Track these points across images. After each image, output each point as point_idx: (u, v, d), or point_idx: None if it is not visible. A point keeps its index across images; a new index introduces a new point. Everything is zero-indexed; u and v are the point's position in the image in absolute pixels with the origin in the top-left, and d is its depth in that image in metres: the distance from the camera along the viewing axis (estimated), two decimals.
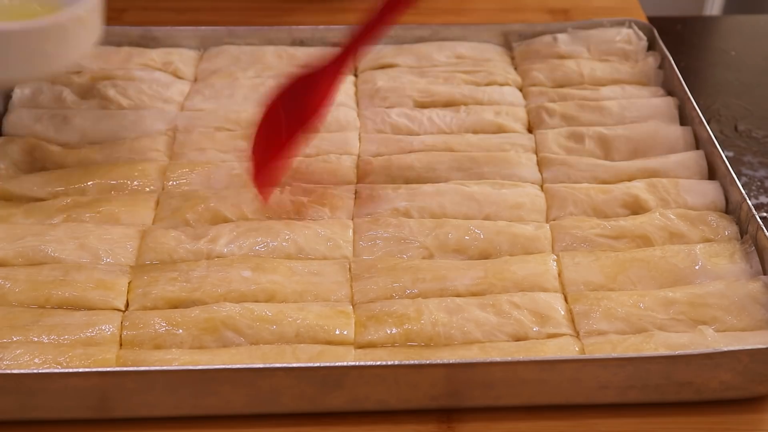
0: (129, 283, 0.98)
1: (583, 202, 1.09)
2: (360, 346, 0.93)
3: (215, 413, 0.88)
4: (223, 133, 1.21)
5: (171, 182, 1.12)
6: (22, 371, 0.86)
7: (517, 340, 0.93)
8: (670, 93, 1.27)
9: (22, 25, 1.03)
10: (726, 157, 1.10)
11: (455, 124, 1.22)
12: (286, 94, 1.07)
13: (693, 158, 1.14)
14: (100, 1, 1.09)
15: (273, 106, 1.07)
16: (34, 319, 0.93)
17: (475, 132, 1.22)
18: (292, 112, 1.07)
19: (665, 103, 1.24)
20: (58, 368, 0.88)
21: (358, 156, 1.17)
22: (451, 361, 0.88)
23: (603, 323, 0.94)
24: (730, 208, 1.08)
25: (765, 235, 0.99)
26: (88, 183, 1.11)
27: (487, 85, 1.31)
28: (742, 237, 1.03)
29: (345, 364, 0.87)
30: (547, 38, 1.38)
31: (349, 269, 1.00)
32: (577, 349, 0.92)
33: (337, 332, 0.93)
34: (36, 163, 1.15)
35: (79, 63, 1.11)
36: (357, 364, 0.87)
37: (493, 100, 1.27)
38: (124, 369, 0.87)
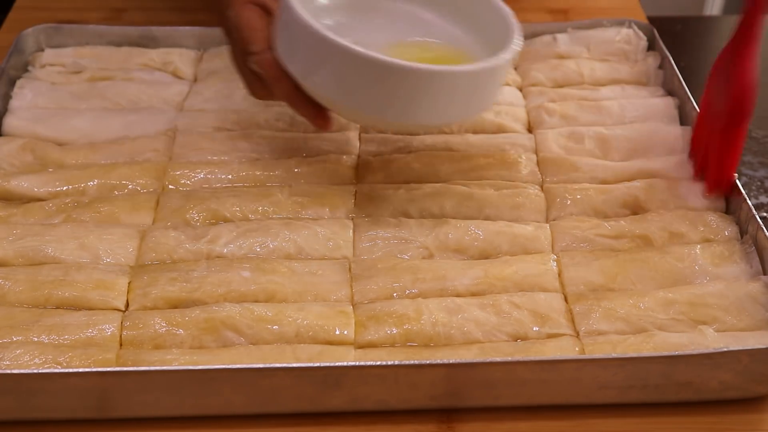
0: (129, 283, 0.98)
1: (583, 202, 1.09)
2: (360, 346, 0.93)
3: (215, 413, 0.88)
4: (222, 133, 1.21)
5: (171, 182, 1.12)
6: (22, 371, 0.86)
7: (517, 340, 0.93)
8: (670, 93, 1.27)
9: (479, 66, 0.99)
10: None
11: (455, 124, 1.22)
12: (711, 88, 1.05)
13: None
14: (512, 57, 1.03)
15: (703, 106, 1.06)
16: (34, 319, 0.93)
17: (475, 132, 1.22)
18: (720, 101, 1.03)
19: (665, 103, 1.24)
20: (58, 368, 0.88)
21: (358, 156, 1.17)
22: (451, 361, 0.88)
23: (603, 323, 0.94)
24: (730, 208, 1.08)
25: (765, 235, 0.99)
26: (88, 183, 1.11)
27: None
28: (742, 237, 1.03)
29: (345, 364, 0.87)
30: (547, 38, 1.38)
31: (349, 269, 1.00)
32: (577, 349, 0.92)
33: (337, 332, 0.93)
34: (36, 163, 1.15)
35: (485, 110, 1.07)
36: (357, 364, 0.87)
37: None
38: (124, 369, 0.87)
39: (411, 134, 1.18)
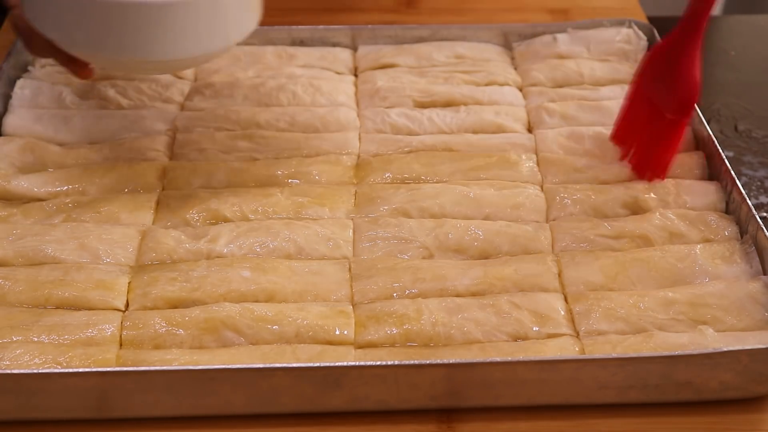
0: (129, 283, 0.98)
1: (583, 202, 1.09)
2: (360, 346, 0.93)
3: (215, 413, 0.88)
4: (223, 133, 1.21)
5: (171, 182, 1.12)
6: (22, 371, 0.86)
7: (517, 340, 0.93)
8: None
9: None
10: (726, 157, 1.10)
11: (455, 124, 1.22)
12: (647, 77, 1.07)
13: (693, 158, 1.14)
14: None
15: (639, 90, 1.08)
16: (34, 319, 0.93)
17: (475, 132, 1.22)
18: (665, 94, 1.04)
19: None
20: (58, 368, 0.88)
21: (358, 156, 1.17)
22: (451, 361, 0.88)
23: (603, 323, 0.94)
24: (730, 208, 1.08)
25: (765, 235, 0.99)
26: (88, 183, 1.11)
27: (487, 85, 1.31)
28: (742, 237, 1.03)
29: (345, 364, 0.87)
30: (547, 38, 1.38)
31: (349, 269, 1.00)
32: (577, 349, 0.92)
33: (337, 332, 0.93)
34: (36, 163, 1.15)
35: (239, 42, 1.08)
36: (357, 364, 0.87)
37: (493, 100, 1.27)
38: (124, 369, 0.87)
39: (157, 73, 1.20)
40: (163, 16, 0.99)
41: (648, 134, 1.10)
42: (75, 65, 1.07)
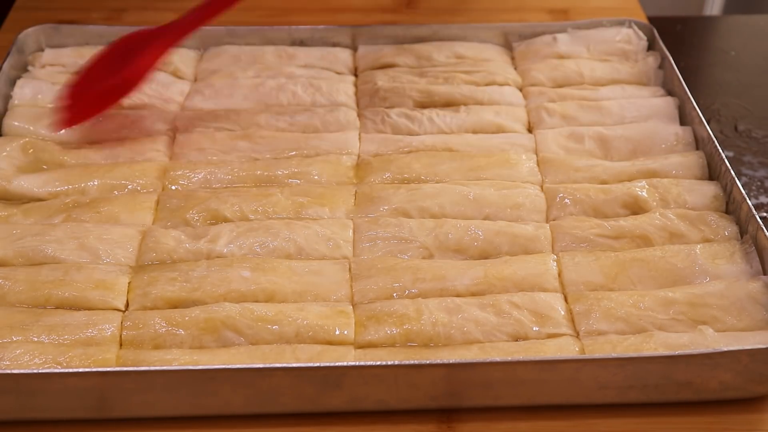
0: (129, 283, 0.98)
1: (583, 202, 1.09)
2: (360, 346, 0.93)
3: (215, 413, 0.88)
4: (223, 133, 1.21)
5: (171, 182, 1.12)
6: (22, 371, 0.86)
7: (517, 340, 0.93)
8: (670, 93, 1.27)
9: None
10: (726, 157, 1.10)
11: (455, 124, 1.22)
12: (117, 49, 1.18)
13: (693, 158, 1.14)
14: None
15: (103, 57, 1.18)
16: (34, 319, 0.93)
17: (475, 132, 1.22)
18: (117, 67, 1.16)
19: (665, 103, 1.24)
20: (58, 368, 0.88)
21: (358, 156, 1.17)
22: (451, 361, 0.88)
23: (603, 323, 0.94)
24: (730, 208, 1.08)
25: (765, 235, 0.99)
26: (88, 183, 1.11)
27: (487, 85, 1.31)
28: (742, 237, 1.03)
29: (345, 364, 0.87)
30: (547, 38, 1.38)
31: (349, 269, 1.00)
32: (577, 349, 0.92)
33: (337, 332, 0.93)
34: (36, 163, 1.15)
35: None
36: (357, 364, 0.87)
37: (493, 100, 1.27)
38: (124, 369, 0.87)
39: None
40: None
41: (85, 93, 1.18)
42: None
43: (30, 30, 1.33)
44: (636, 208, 1.08)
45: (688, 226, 1.05)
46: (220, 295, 0.96)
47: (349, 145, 1.19)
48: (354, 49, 1.39)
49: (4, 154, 1.15)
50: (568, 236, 1.04)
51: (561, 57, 1.35)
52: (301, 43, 1.39)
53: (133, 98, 1.26)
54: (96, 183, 1.12)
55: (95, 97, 1.17)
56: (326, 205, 1.08)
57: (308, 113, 1.23)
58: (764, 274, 0.99)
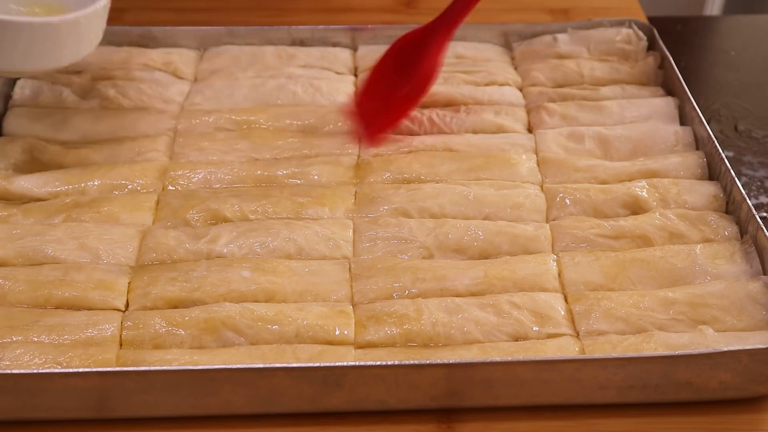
0: (129, 283, 0.98)
1: (583, 202, 1.09)
2: (360, 346, 0.93)
3: (215, 413, 0.88)
4: (223, 133, 1.21)
5: (171, 182, 1.12)
6: (22, 371, 0.87)
7: (517, 340, 0.93)
8: (670, 93, 1.27)
9: (44, 19, 1.07)
10: (726, 157, 1.10)
11: (455, 124, 1.22)
12: (397, 54, 1.16)
13: (693, 158, 1.14)
14: (107, 5, 1.13)
15: (384, 64, 1.17)
16: (34, 319, 0.93)
17: (475, 132, 1.22)
18: (403, 72, 1.15)
19: (665, 103, 1.24)
20: (58, 368, 0.88)
21: (358, 156, 1.17)
22: (451, 361, 0.88)
23: (603, 323, 0.94)
24: (730, 208, 1.08)
25: (765, 235, 0.99)
26: (88, 183, 1.11)
27: (487, 85, 1.31)
28: (742, 237, 1.03)
29: (345, 364, 0.87)
30: (547, 38, 1.38)
31: (349, 269, 1.00)
32: (577, 349, 0.92)
33: (337, 332, 0.93)
34: (36, 163, 1.15)
35: (79, 60, 1.15)
36: (357, 364, 0.87)
37: (493, 100, 1.27)
38: (124, 369, 0.87)
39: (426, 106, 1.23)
40: (18, 32, 1.05)
41: (380, 105, 1.19)
42: None
43: None
44: (636, 208, 1.08)
45: (688, 226, 1.05)
46: (220, 295, 0.96)
47: (349, 145, 1.19)
48: (354, 49, 1.39)
49: (4, 154, 1.15)
50: (568, 236, 1.04)
51: (561, 57, 1.35)
52: (301, 43, 1.39)
53: (133, 98, 1.26)
54: (96, 183, 1.12)
55: (389, 109, 1.17)
56: (326, 205, 1.08)
57: (308, 113, 1.23)
58: (764, 274, 0.99)
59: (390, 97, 1.18)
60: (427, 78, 1.17)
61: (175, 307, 0.96)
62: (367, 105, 1.18)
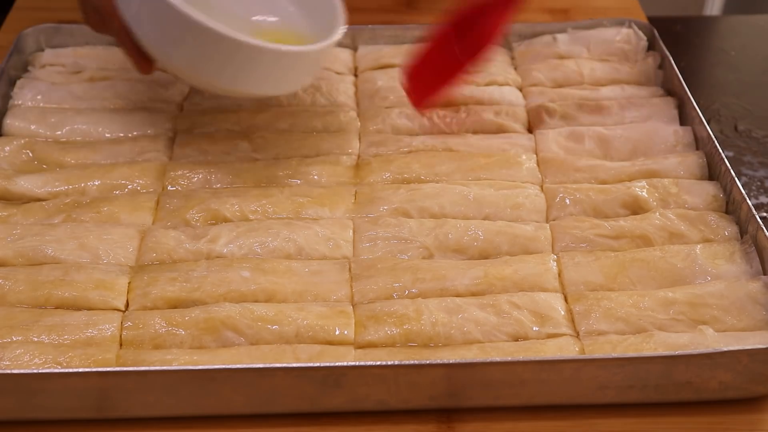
0: (129, 283, 0.98)
1: (583, 202, 1.09)
2: (360, 346, 0.93)
3: (215, 413, 0.88)
4: (223, 133, 1.21)
5: (171, 182, 1.12)
6: (22, 371, 0.87)
7: (517, 340, 0.93)
8: (669, 93, 1.27)
9: (302, 48, 1.07)
10: (726, 157, 1.10)
11: (455, 124, 1.22)
12: (459, 22, 1.15)
13: (693, 158, 1.14)
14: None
15: (445, 32, 1.15)
16: (34, 319, 0.93)
17: (475, 132, 1.22)
18: (464, 40, 1.14)
19: (665, 103, 1.24)
20: (58, 368, 0.88)
21: (358, 156, 1.17)
22: (451, 361, 0.88)
23: (603, 323, 0.94)
24: (730, 208, 1.08)
25: (765, 235, 0.99)
26: (88, 183, 1.11)
27: (487, 85, 1.30)
28: (742, 237, 1.03)
29: (345, 364, 0.87)
30: (547, 38, 1.38)
31: (349, 269, 1.00)
32: (577, 349, 0.92)
33: (337, 332, 0.93)
34: (36, 163, 1.15)
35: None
36: (357, 364, 0.87)
37: (493, 100, 1.27)
38: (124, 369, 0.87)
39: (231, 96, 1.22)
40: (275, 60, 1.05)
41: (435, 73, 1.18)
42: (141, 60, 1.09)
43: (30, 30, 1.33)
44: (636, 208, 1.08)
45: (688, 226, 1.05)
46: (220, 295, 0.96)
47: (349, 145, 1.19)
48: (354, 49, 1.39)
49: (4, 154, 1.15)
50: (568, 236, 1.04)
51: (561, 57, 1.35)
52: None
53: (133, 98, 1.26)
54: (96, 183, 1.11)
55: (442, 74, 1.17)
56: (326, 205, 1.08)
57: (308, 113, 1.23)
58: (764, 274, 0.99)
59: (444, 64, 1.17)
60: (482, 43, 1.15)
61: (175, 307, 0.96)
62: (421, 70, 1.18)
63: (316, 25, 1.16)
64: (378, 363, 0.88)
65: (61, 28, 1.35)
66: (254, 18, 1.19)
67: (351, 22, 1.45)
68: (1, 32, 1.46)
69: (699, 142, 1.17)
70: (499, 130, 1.22)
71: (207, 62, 1.04)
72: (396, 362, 0.87)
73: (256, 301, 0.96)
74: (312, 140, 1.19)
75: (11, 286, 0.97)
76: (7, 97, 1.25)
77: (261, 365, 0.86)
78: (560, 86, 1.30)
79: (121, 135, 1.20)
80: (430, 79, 1.18)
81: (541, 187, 1.12)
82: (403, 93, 1.24)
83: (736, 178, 1.07)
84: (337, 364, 0.87)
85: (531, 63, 1.34)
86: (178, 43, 1.03)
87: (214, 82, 1.06)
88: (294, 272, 0.99)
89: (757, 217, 1.01)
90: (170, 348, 0.92)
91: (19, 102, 1.24)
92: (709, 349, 0.87)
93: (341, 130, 1.21)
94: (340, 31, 1.12)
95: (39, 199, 1.10)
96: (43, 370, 0.87)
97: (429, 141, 1.19)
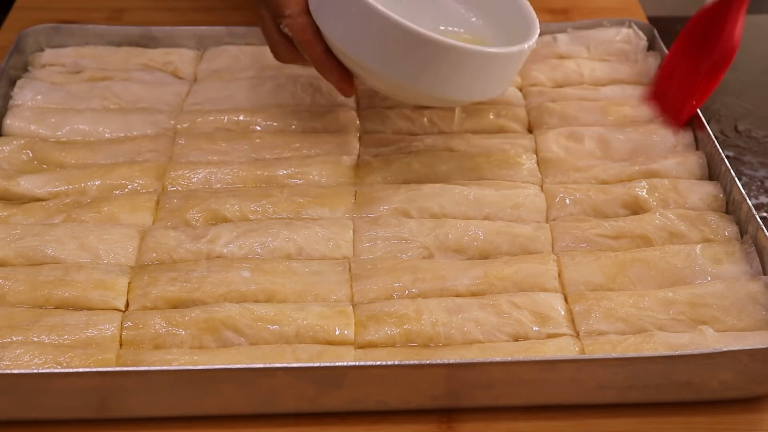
0: (129, 283, 0.98)
1: (583, 202, 1.09)
2: (360, 346, 0.93)
3: (215, 413, 0.88)
4: (222, 133, 1.21)
5: (171, 182, 1.12)
6: (22, 371, 0.86)
7: (517, 340, 0.93)
8: None
9: (509, 50, 1.07)
10: (726, 157, 1.10)
11: (455, 124, 1.22)
12: (691, 34, 1.15)
13: (693, 158, 1.14)
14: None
15: (679, 47, 1.16)
16: (34, 319, 0.93)
17: (475, 132, 1.22)
18: (703, 48, 1.13)
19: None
20: (58, 368, 0.88)
21: (358, 156, 1.17)
22: (451, 361, 0.88)
23: (603, 323, 0.94)
24: (730, 208, 1.08)
25: (765, 235, 0.99)
26: (88, 183, 1.11)
27: None
28: (742, 237, 1.03)
29: (345, 364, 0.87)
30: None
31: (349, 269, 1.00)
32: (577, 349, 0.92)
33: (337, 332, 0.93)
34: (36, 163, 1.15)
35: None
36: (357, 364, 0.87)
37: (493, 100, 1.27)
38: (124, 369, 0.87)
39: (426, 107, 1.22)
40: (496, 64, 1.06)
41: (682, 86, 1.17)
42: (345, 82, 1.09)
43: (30, 30, 1.33)
44: (636, 208, 1.08)
45: (688, 226, 1.05)
46: (220, 295, 0.96)
47: (349, 145, 1.19)
48: None
49: (4, 154, 1.15)
50: (568, 236, 1.04)
51: (561, 57, 1.35)
52: None
53: (133, 98, 1.26)
54: (96, 183, 1.11)
55: (691, 89, 1.17)
56: (326, 205, 1.08)
57: (308, 113, 1.23)
58: (764, 274, 0.99)
59: (691, 78, 1.16)
60: (727, 52, 1.14)
61: (175, 307, 0.96)
62: (668, 90, 1.18)
63: (501, 33, 1.17)
64: (378, 363, 0.88)
65: (61, 28, 1.35)
66: (442, 28, 1.19)
67: None
68: (1, 32, 1.46)
69: (699, 142, 1.18)
70: (499, 130, 1.22)
71: (432, 73, 1.03)
72: (396, 362, 0.87)
73: (256, 301, 0.96)
74: (312, 140, 1.19)
75: (11, 286, 0.97)
76: (7, 97, 1.25)
77: (261, 365, 0.86)
78: (560, 86, 1.30)
79: (121, 135, 1.20)
80: (678, 95, 1.17)
81: (541, 187, 1.12)
82: None
83: (736, 178, 1.07)
84: (337, 364, 0.87)
85: (531, 63, 1.34)
86: (403, 57, 1.02)
87: (437, 92, 1.05)
88: (294, 272, 0.99)
89: (757, 217, 1.01)
90: (170, 348, 0.92)
91: (19, 102, 1.24)
92: (710, 349, 0.87)
93: (341, 130, 1.21)
94: (536, 33, 1.11)
95: (39, 199, 1.10)
96: (43, 370, 0.87)
97: (429, 141, 1.19)
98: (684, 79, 1.16)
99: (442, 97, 1.07)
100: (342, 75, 1.08)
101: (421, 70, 1.03)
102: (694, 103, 1.17)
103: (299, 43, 1.07)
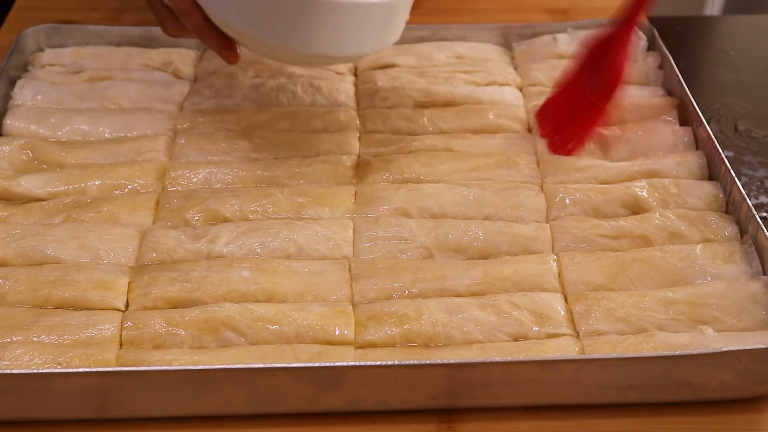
0: (129, 283, 0.98)
1: (583, 202, 1.09)
2: (360, 346, 0.93)
3: (215, 413, 0.88)
4: (223, 133, 1.21)
5: (171, 182, 1.12)
6: (22, 371, 0.87)
7: (517, 340, 0.93)
8: (670, 93, 1.27)
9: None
10: (726, 157, 1.10)
11: (455, 124, 1.22)
12: (584, 63, 1.15)
13: (693, 158, 1.14)
14: None
15: (573, 75, 1.16)
16: (34, 319, 0.93)
17: (475, 132, 1.22)
18: (594, 80, 1.14)
19: (665, 103, 1.24)
20: (58, 368, 0.88)
21: (358, 156, 1.17)
22: (451, 361, 0.88)
23: (603, 323, 0.94)
24: (730, 208, 1.08)
25: (765, 235, 0.99)
26: (88, 183, 1.11)
27: (487, 85, 1.31)
28: (742, 237, 1.03)
29: (345, 364, 0.87)
30: (547, 38, 1.38)
31: (349, 269, 1.00)
32: (577, 349, 0.92)
33: (337, 332, 0.93)
34: (36, 163, 1.15)
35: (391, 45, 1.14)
36: (357, 364, 0.87)
37: (493, 101, 1.27)
38: (124, 369, 0.87)
39: (311, 66, 1.23)
40: (363, 15, 1.05)
41: (571, 115, 1.17)
42: (227, 49, 1.11)
43: (30, 30, 1.33)
44: (636, 208, 1.08)
45: (688, 226, 1.05)
46: (220, 295, 0.96)
47: (349, 145, 1.19)
48: None
49: (4, 154, 1.15)
50: (568, 236, 1.04)
51: (561, 57, 1.35)
52: None
53: (133, 98, 1.26)
54: (96, 183, 1.11)
55: (578, 118, 1.16)
56: (326, 205, 1.08)
57: (308, 113, 1.23)
58: (764, 274, 0.99)
59: (578, 107, 1.16)
60: (611, 84, 1.14)
61: (175, 307, 0.96)
62: (556, 115, 1.18)
63: None
64: (378, 363, 0.88)
65: (61, 28, 1.35)
66: None
67: None
68: (1, 32, 1.46)
69: (699, 142, 1.17)
70: (499, 130, 1.22)
71: (301, 31, 1.03)
72: (396, 362, 0.87)
73: (256, 301, 0.96)
74: (312, 140, 1.19)
75: (11, 286, 0.97)
76: (7, 97, 1.25)
77: (261, 365, 0.86)
78: None
79: (121, 135, 1.20)
80: (565, 124, 1.17)
81: (541, 187, 1.12)
82: (404, 93, 1.24)
83: (736, 178, 1.07)
84: (337, 364, 0.87)
85: (531, 63, 1.34)
86: (268, 16, 1.03)
87: (309, 49, 1.05)
88: (294, 272, 0.99)
89: (757, 217, 1.01)
90: (170, 348, 0.92)
91: (20, 102, 1.24)
92: (709, 349, 0.87)
93: (341, 130, 1.21)
94: None
95: (39, 199, 1.10)
96: (43, 370, 0.87)
97: (429, 141, 1.19)
98: (571, 107, 1.17)
99: (316, 54, 1.07)
100: (221, 41, 1.10)
101: (290, 29, 1.03)
102: (577, 135, 1.16)
103: (180, 13, 1.08)
